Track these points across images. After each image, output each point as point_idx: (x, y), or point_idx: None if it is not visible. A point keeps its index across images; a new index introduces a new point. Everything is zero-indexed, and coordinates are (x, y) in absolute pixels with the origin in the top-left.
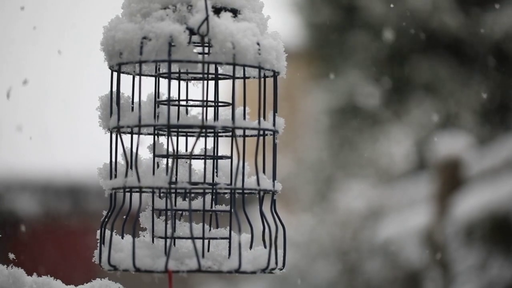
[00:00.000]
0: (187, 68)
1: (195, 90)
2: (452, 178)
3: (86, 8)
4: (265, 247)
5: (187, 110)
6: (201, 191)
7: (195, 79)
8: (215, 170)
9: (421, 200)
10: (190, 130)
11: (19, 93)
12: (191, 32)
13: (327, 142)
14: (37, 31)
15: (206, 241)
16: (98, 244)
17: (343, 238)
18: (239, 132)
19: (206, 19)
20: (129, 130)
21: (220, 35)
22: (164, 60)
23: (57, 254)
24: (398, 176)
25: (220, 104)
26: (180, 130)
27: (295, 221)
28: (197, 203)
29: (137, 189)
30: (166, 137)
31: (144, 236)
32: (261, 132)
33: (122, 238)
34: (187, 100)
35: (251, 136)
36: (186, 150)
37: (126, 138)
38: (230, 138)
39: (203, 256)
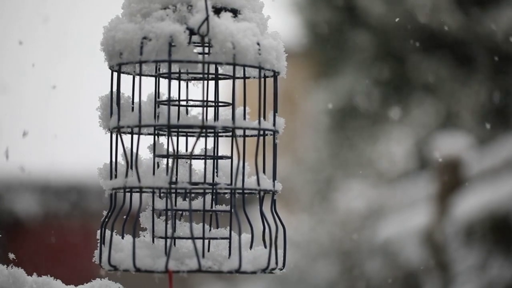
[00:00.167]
0: (187, 68)
1: (195, 90)
2: (452, 178)
3: (86, 8)
4: (265, 247)
5: (187, 110)
6: (201, 191)
7: (195, 79)
8: (215, 170)
9: (421, 200)
10: (190, 130)
11: (19, 93)
12: (191, 32)
13: (327, 142)
14: (37, 31)
15: (206, 241)
16: (98, 244)
17: (343, 238)
18: (239, 132)
19: (206, 19)
20: (129, 130)
21: (220, 35)
22: (164, 60)
23: (57, 254)
24: (398, 176)
25: (220, 104)
26: (180, 130)
27: (295, 221)
28: (197, 203)
29: (137, 189)
30: (166, 137)
31: (144, 236)
32: (261, 132)
33: (122, 238)
34: (187, 100)
35: (251, 136)
36: (186, 150)
37: (126, 138)
38: (230, 138)
39: (203, 256)
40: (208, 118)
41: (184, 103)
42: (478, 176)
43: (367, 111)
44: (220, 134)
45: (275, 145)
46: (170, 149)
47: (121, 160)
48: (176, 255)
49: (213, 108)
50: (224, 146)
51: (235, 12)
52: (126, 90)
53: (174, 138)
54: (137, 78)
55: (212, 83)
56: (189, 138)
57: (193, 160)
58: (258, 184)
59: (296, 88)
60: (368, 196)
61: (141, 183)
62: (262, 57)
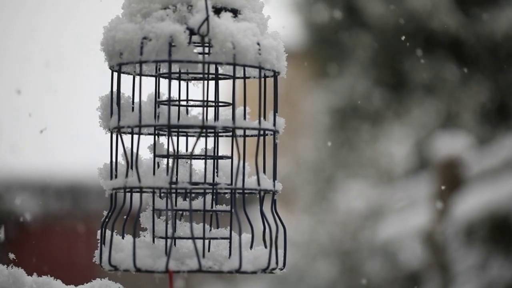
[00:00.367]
0: (187, 68)
1: (196, 90)
2: (452, 178)
3: (86, 8)
4: (265, 247)
5: (187, 110)
6: (202, 191)
7: (195, 79)
8: (215, 170)
9: (421, 200)
10: (191, 130)
11: (19, 93)
12: (191, 32)
13: (327, 142)
14: (37, 31)
15: (206, 241)
16: (99, 244)
17: (343, 238)
18: (239, 132)
19: (207, 19)
20: (129, 130)
21: (220, 35)
22: (165, 60)
23: (57, 254)
24: (398, 176)
25: (220, 104)
26: (180, 130)
27: (295, 221)
28: (197, 203)
29: (138, 189)
30: (167, 137)
31: (144, 236)
32: (262, 132)
33: (123, 238)
34: (187, 100)
35: (252, 136)
36: (187, 150)
37: (127, 138)
38: (230, 138)
39: (203, 256)
40: (208, 118)
41: (184, 103)
42: (478, 176)
43: (367, 111)
44: (220, 134)
45: (275, 145)
46: (170, 149)
47: (121, 160)
48: (176, 255)
49: (213, 108)
50: (224, 146)
51: (235, 12)
52: (126, 90)
53: (174, 138)
54: (137, 78)
55: (212, 83)
56: (189, 138)
57: (193, 160)
58: (258, 184)
59: (296, 88)
60: (368, 196)
61: (141, 183)
62: (262, 57)
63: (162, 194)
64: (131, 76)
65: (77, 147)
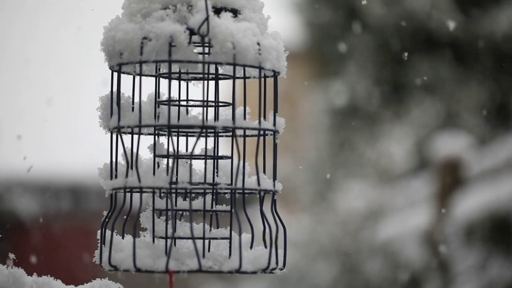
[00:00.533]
0: (187, 68)
1: (196, 90)
2: (452, 178)
3: (86, 8)
4: (265, 247)
5: (187, 110)
6: (202, 191)
7: (195, 79)
8: (215, 170)
9: (421, 200)
10: (191, 130)
11: (19, 93)
12: (191, 32)
13: (327, 142)
14: (38, 31)
15: (206, 241)
16: (99, 244)
17: (343, 238)
18: (239, 132)
19: (207, 19)
20: (129, 130)
21: (220, 35)
22: (165, 60)
23: (57, 254)
24: (398, 176)
25: (220, 104)
26: (180, 130)
27: (295, 221)
28: (197, 203)
29: (138, 189)
30: (167, 137)
31: (144, 236)
32: (262, 132)
33: (123, 238)
34: (187, 100)
35: (252, 136)
36: (187, 150)
37: (127, 138)
38: (230, 138)
39: (203, 256)
40: (208, 118)
41: (184, 103)
42: (478, 176)
43: (367, 111)
44: (220, 134)
45: (275, 145)
46: (170, 149)
47: (121, 160)
48: (176, 255)
49: (213, 108)
50: (224, 146)
51: (235, 12)
52: (126, 90)
53: (174, 138)
54: (137, 78)
55: (212, 83)
56: (189, 138)
57: (193, 160)
58: (259, 184)
59: (296, 88)
60: (368, 196)
61: (141, 183)
62: (262, 57)
63: (162, 194)
64: (131, 76)
65: (77, 147)
